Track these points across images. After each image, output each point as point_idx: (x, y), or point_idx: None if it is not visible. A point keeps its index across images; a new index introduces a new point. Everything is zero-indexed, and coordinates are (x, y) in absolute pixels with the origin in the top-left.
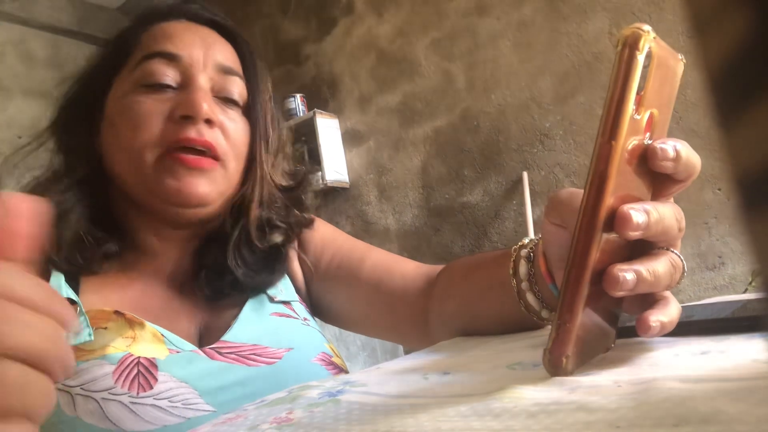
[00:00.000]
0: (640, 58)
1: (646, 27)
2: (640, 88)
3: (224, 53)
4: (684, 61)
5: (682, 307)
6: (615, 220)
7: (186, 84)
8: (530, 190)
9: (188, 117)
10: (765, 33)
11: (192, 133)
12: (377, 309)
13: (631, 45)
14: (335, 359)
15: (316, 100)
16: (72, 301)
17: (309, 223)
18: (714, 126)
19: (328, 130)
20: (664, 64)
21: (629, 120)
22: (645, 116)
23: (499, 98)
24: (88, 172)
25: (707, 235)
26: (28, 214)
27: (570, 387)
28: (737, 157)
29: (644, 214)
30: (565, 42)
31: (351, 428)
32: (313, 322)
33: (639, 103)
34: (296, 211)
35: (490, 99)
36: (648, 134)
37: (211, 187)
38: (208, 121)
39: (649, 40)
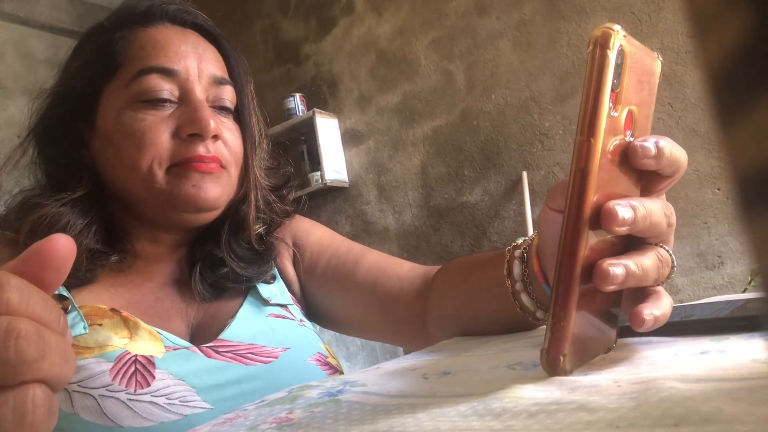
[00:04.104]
0: (612, 56)
1: (616, 26)
2: (615, 86)
3: (215, 62)
4: (661, 59)
5: (682, 306)
6: (601, 216)
7: (185, 98)
8: (530, 189)
9: (197, 135)
10: (765, 33)
11: (201, 150)
12: (374, 311)
13: (601, 44)
14: (330, 360)
15: (316, 100)
16: (63, 297)
17: (289, 214)
18: (713, 126)
19: (328, 129)
20: (638, 61)
21: (606, 117)
22: (623, 114)
23: (499, 98)
24: (89, 189)
25: (706, 234)
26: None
27: (570, 387)
28: (737, 157)
29: (630, 209)
30: (565, 42)
31: (351, 428)
32: (309, 324)
33: (615, 101)
34: (278, 204)
35: (489, 99)
36: (629, 132)
37: (221, 190)
38: (214, 137)
39: (620, 38)
